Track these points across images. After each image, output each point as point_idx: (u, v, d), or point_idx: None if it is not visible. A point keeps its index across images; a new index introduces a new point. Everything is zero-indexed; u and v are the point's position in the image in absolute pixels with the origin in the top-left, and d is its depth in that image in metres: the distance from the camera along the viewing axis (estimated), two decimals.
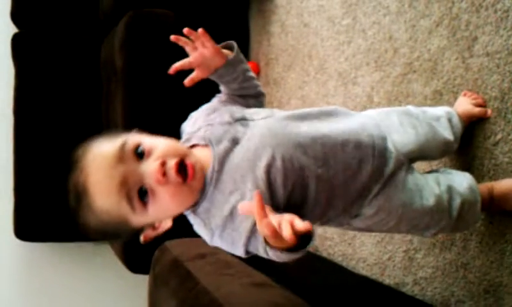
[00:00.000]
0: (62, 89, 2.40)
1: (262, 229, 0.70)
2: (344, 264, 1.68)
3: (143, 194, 0.85)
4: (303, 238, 0.76)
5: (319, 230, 1.76)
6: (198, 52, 0.98)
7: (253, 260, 1.16)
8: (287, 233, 0.68)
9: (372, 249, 1.55)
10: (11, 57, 2.41)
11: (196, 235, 0.97)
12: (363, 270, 1.60)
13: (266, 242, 0.79)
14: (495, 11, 1.16)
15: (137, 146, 0.87)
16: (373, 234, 1.54)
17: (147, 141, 0.88)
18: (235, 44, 1.02)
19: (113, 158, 0.84)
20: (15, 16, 2.44)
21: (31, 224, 2.41)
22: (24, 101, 2.40)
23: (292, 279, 1.38)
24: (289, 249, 0.76)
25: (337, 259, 1.71)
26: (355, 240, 1.63)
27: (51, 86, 2.40)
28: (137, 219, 0.87)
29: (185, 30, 0.98)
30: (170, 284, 1.37)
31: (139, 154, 0.86)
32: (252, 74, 1.05)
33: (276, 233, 0.69)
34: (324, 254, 1.78)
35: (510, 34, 1.13)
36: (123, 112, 2.02)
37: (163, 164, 0.84)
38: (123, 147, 0.85)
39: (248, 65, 1.06)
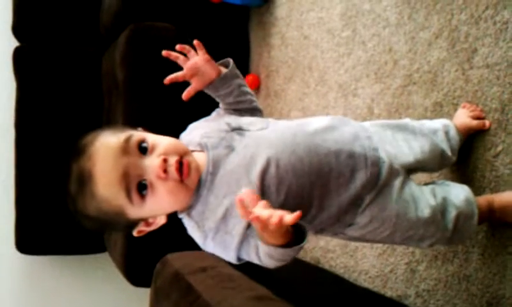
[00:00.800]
0: (63, 102, 2.41)
1: (247, 214, 0.76)
2: (346, 276, 1.67)
3: (142, 188, 0.88)
4: (297, 237, 0.83)
5: (321, 242, 1.76)
6: (190, 61, 1.02)
7: (254, 273, 1.15)
8: (274, 219, 0.74)
9: (374, 261, 1.55)
10: (12, 71, 2.42)
11: (198, 247, 0.98)
12: (365, 282, 1.59)
13: (261, 238, 0.83)
14: (494, 23, 1.17)
15: (141, 141, 0.90)
16: (375, 246, 1.54)
17: (151, 137, 0.92)
18: (231, 60, 1.05)
19: (118, 150, 0.88)
20: (17, 29, 2.46)
21: (32, 237, 2.41)
22: (25, 114, 2.41)
23: (294, 292, 1.37)
24: (283, 246, 0.82)
25: (339, 271, 1.71)
26: (357, 252, 1.62)
27: (52, 99, 2.41)
28: (134, 211, 0.90)
29: (178, 46, 1.02)
30: (171, 297, 1.36)
31: (143, 149, 0.90)
32: (248, 89, 1.08)
33: (261, 220, 0.75)
34: (326, 267, 1.77)
35: (509, 46, 1.13)
36: (124, 125, 2.03)
37: (165, 160, 0.88)
38: (128, 140, 0.89)
39: (244, 80, 1.08)
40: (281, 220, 0.75)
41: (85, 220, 0.93)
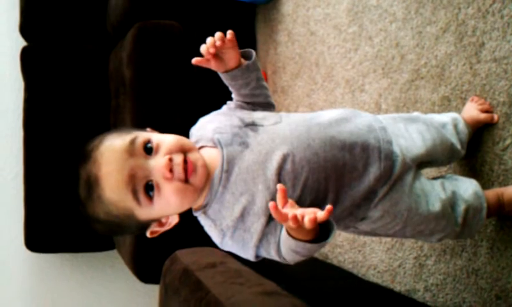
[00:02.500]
0: (71, 101, 2.42)
1: (284, 217, 0.77)
2: (355, 271, 1.67)
3: (150, 189, 0.88)
4: (323, 232, 0.83)
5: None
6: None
7: (263, 269, 1.16)
8: (309, 216, 0.75)
9: (382, 256, 1.55)
10: (20, 71, 2.44)
11: (207, 244, 0.98)
12: (373, 277, 1.59)
13: (289, 234, 0.83)
14: (502, 17, 1.16)
15: (147, 142, 0.90)
16: (383, 240, 1.54)
17: (155, 137, 0.91)
18: (253, 52, 1.03)
19: (124, 152, 0.87)
20: (24, 29, 2.47)
21: (42, 235, 2.42)
22: (33, 114, 2.42)
23: (303, 287, 1.37)
24: (311, 241, 0.82)
25: (347, 266, 1.71)
26: (365, 247, 1.63)
27: (60, 98, 2.41)
28: (143, 213, 0.90)
29: (207, 51, 0.96)
30: (181, 293, 1.37)
31: (148, 149, 0.89)
32: (265, 84, 1.06)
33: (298, 220, 0.76)
34: (335, 262, 1.77)
35: None
36: (132, 124, 2.03)
37: (171, 159, 0.87)
38: (133, 142, 0.89)
39: (263, 75, 1.06)
40: (315, 218, 0.75)
41: (96, 225, 0.93)
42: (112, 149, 0.88)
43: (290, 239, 0.83)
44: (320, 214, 0.76)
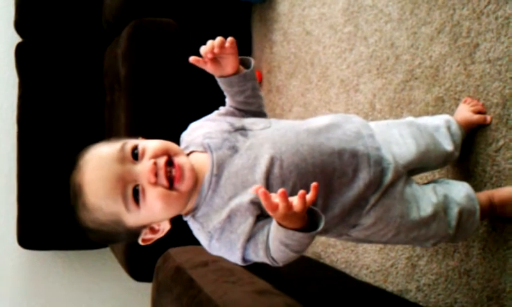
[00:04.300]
0: (65, 98, 2.42)
1: (274, 205, 0.78)
2: (347, 271, 1.68)
3: (137, 194, 0.88)
4: (312, 222, 0.84)
5: (322, 238, 1.76)
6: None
7: (255, 268, 1.16)
8: (298, 200, 0.77)
9: (375, 256, 1.55)
10: (14, 67, 2.43)
11: (198, 243, 0.98)
12: (366, 277, 1.59)
13: (279, 224, 0.83)
14: (496, 18, 1.17)
15: (135, 148, 0.90)
16: None
17: (142, 142, 0.91)
18: (252, 61, 1.02)
19: (111, 159, 0.88)
20: (19, 25, 2.46)
21: (34, 232, 2.42)
22: (27, 110, 2.41)
23: (295, 287, 1.38)
24: (301, 230, 0.83)
25: (340, 266, 1.71)
26: (358, 247, 1.63)
27: (54, 95, 2.41)
28: (131, 218, 0.90)
29: (207, 52, 0.96)
30: (173, 291, 1.37)
31: (136, 155, 0.89)
32: (260, 93, 1.06)
33: (287, 200, 0.77)
34: (327, 262, 1.78)
35: (511, 41, 1.13)
36: (126, 121, 2.03)
37: (155, 164, 0.87)
38: (122, 149, 0.89)
39: (257, 75, 1.06)
40: (304, 194, 0.77)
41: (89, 234, 0.93)
42: (98, 157, 0.89)
43: (280, 229, 0.83)
44: (309, 195, 0.78)
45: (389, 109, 1.50)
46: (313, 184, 0.79)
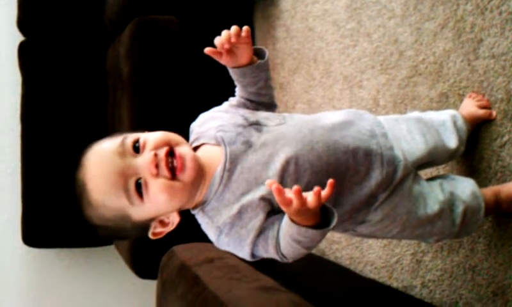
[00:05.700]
0: (68, 96, 2.42)
1: (288, 200, 0.76)
2: (352, 267, 1.68)
3: (140, 187, 0.87)
4: (324, 219, 0.83)
5: (327, 234, 1.76)
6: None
7: (260, 265, 1.16)
8: (313, 197, 0.76)
9: (379, 252, 1.55)
10: (17, 65, 2.43)
11: (204, 239, 0.98)
12: (370, 273, 1.59)
13: (292, 221, 0.82)
14: (500, 13, 1.16)
15: (136, 142, 0.89)
16: None
17: (143, 135, 0.91)
18: (266, 51, 1.01)
19: (112, 154, 0.87)
20: (22, 24, 2.46)
21: (39, 230, 2.42)
22: (31, 108, 2.42)
23: (300, 283, 1.38)
24: (314, 227, 0.82)
25: (345, 262, 1.71)
26: (362, 243, 1.63)
27: (58, 93, 2.41)
28: (137, 212, 0.89)
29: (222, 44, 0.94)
30: (178, 289, 1.37)
31: (137, 148, 0.89)
32: (272, 85, 1.05)
33: (302, 196, 0.76)
34: (332, 258, 1.78)
35: None
36: (129, 119, 2.03)
37: (156, 155, 0.86)
38: (123, 143, 0.89)
39: (271, 76, 1.05)
40: (319, 191, 0.76)
41: (98, 230, 0.93)
42: (99, 153, 0.89)
43: (293, 225, 0.82)
44: (324, 191, 0.77)
45: (393, 105, 1.50)
46: (330, 181, 0.78)
